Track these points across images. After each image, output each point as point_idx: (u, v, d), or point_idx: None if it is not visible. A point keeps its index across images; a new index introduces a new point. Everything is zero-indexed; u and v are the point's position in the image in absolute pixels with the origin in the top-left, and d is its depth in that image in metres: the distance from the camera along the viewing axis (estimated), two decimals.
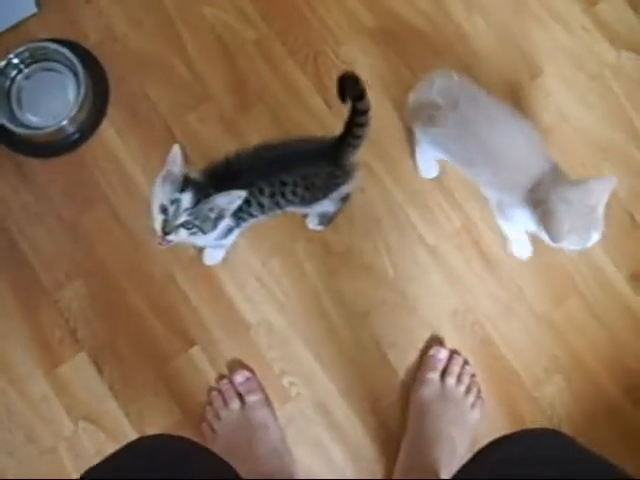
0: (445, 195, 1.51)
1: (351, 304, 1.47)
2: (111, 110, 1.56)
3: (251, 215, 1.25)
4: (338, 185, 1.27)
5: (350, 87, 1.10)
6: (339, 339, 1.47)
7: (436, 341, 1.47)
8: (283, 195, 1.23)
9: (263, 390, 1.45)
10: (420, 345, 1.47)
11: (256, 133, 1.51)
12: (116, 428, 1.47)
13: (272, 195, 1.23)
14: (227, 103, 1.55)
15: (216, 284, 1.49)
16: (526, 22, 1.60)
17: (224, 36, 1.58)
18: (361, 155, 1.35)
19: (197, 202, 1.12)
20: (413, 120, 1.35)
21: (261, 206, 1.23)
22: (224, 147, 1.33)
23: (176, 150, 1.13)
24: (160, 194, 1.14)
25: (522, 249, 1.43)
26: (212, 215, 1.14)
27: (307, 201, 1.27)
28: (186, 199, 1.12)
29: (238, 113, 1.54)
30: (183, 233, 1.15)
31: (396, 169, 1.52)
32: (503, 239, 1.47)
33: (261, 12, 1.60)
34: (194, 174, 1.18)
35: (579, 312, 1.48)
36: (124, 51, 1.59)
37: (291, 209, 1.28)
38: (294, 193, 1.23)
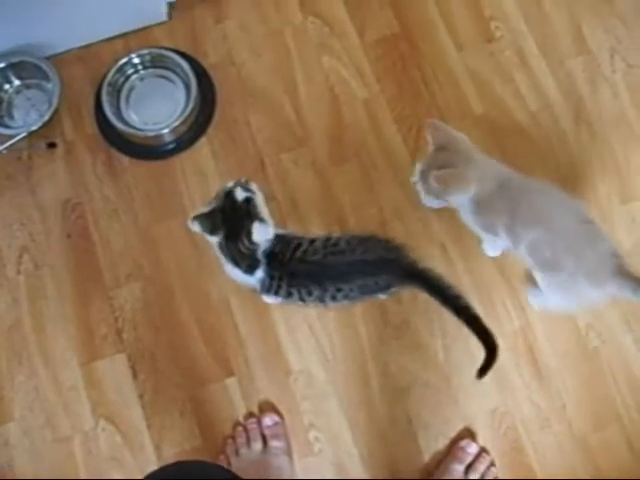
0: (510, 294, 1.70)
1: (394, 377, 1.66)
2: (212, 130, 1.79)
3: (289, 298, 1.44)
4: (389, 290, 1.45)
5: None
6: (374, 407, 1.64)
7: (468, 434, 1.63)
8: (334, 298, 1.37)
9: (288, 438, 1.62)
10: (452, 434, 1.64)
11: (344, 188, 1.72)
12: (134, 436, 1.64)
13: (320, 297, 1.40)
14: (323, 152, 1.77)
15: (268, 322, 1.68)
16: (629, 146, 1.81)
17: (336, 87, 1.82)
18: (438, 233, 1.61)
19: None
20: None
21: (303, 300, 1.42)
22: (309, 193, 1.61)
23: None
24: None
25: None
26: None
27: (355, 300, 1.47)
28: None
29: (331, 164, 1.76)
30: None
31: (470, 257, 1.72)
32: (559, 353, 1.66)
33: (377, 74, 1.83)
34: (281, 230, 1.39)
35: (616, 441, 1.64)
36: (238, 77, 1.83)
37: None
38: (346, 297, 1.36)
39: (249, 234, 1.29)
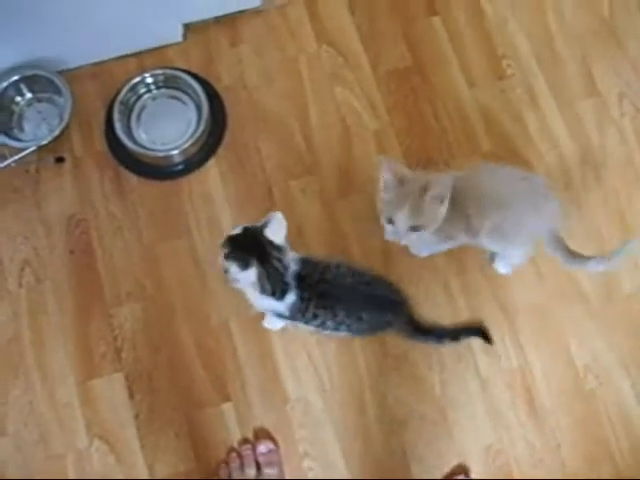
0: (511, 332, 1.75)
1: (391, 409, 1.70)
2: (221, 152, 1.84)
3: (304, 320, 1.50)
4: (386, 330, 1.58)
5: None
6: (369, 438, 1.68)
7: (462, 470, 1.67)
8: (349, 326, 1.49)
9: (282, 466, 1.65)
10: (445, 469, 1.68)
11: (349, 218, 1.77)
12: (128, 456, 1.67)
13: (342, 322, 1.48)
14: (331, 182, 1.82)
15: (268, 347, 1.72)
16: (634, 190, 1.86)
17: (348, 118, 1.87)
18: (441, 268, 1.71)
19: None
20: None
21: (323, 325, 1.49)
22: (315, 221, 1.69)
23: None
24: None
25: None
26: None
27: (362, 333, 1.59)
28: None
29: (338, 194, 1.81)
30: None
31: (471, 293, 1.77)
32: (555, 393, 1.72)
33: (387, 106, 1.89)
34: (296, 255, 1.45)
35: None
36: (250, 102, 1.88)
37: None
38: (359, 327, 1.50)
39: (271, 243, 1.34)
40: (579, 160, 1.84)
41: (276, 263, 1.35)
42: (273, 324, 1.66)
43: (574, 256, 1.54)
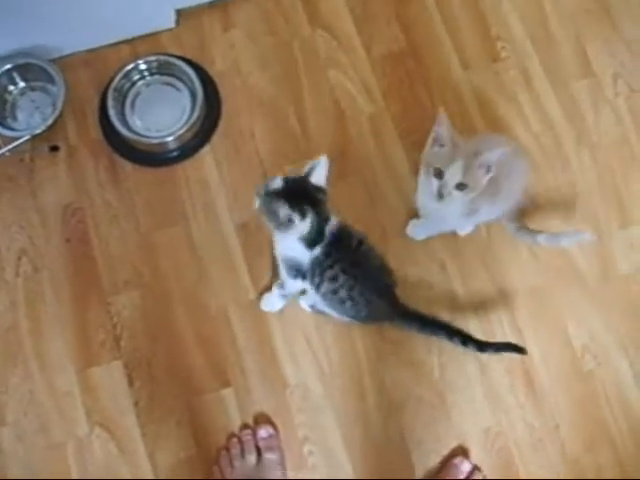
0: (508, 313, 1.75)
1: (389, 393, 1.70)
2: (216, 139, 1.83)
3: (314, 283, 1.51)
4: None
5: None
6: (369, 422, 1.69)
7: (462, 452, 1.68)
8: (354, 306, 1.51)
9: (282, 451, 1.66)
10: (444, 452, 1.69)
11: (345, 202, 1.73)
12: (129, 443, 1.67)
13: (352, 297, 1.51)
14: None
15: (266, 334, 1.72)
16: (630, 171, 1.86)
17: (342, 102, 1.86)
18: (439, 249, 1.72)
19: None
20: None
21: (334, 292, 1.50)
22: None
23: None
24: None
25: None
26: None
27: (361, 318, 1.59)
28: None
29: (334, 178, 1.75)
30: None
31: (468, 275, 1.78)
32: (554, 374, 1.72)
33: (383, 90, 1.88)
34: None
35: (607, 462, 1.69)
36: (244, 87, 1.87)
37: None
38: (358, 313, 1.54)
39: (317, 188, 1.36)
40: (574, 141, 1.85)
41: (324, 208, 1.37)
42: (271, 306, 1.66)
43: (525, 228, 1.61)
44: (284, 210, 1.31)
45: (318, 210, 1.34)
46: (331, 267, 1.43)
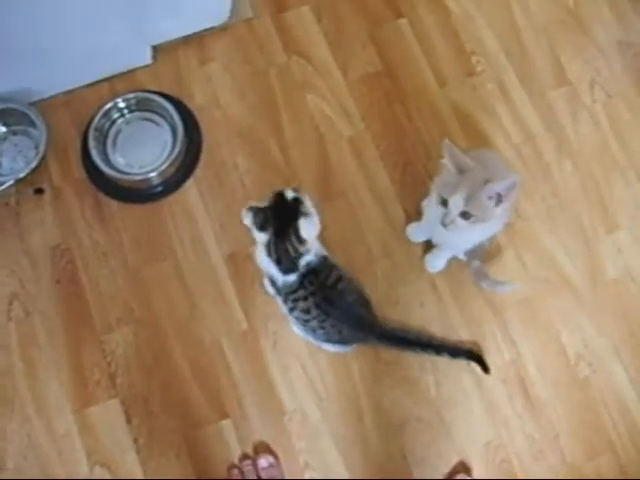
0: (500, 327, 1.76)
1: (388, 414, 1.70)
2: (199, 171, 1.84)
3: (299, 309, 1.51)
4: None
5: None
6: (368, 444, 1.69)
7: (463, 468, 1.68)
8: (326, 334, 1.53)
9: (284, 479, 1.66)
10: (446, 469, 1.68)
11: (332, 226, 1.76)
12: None
13: (323, 327, 1.52)
14: (311, 191, 1.79)
15: (261, 363, 1.73)
16: (612, 175, 1.87)
17: (321, 126, 1.88)
18: (427, 269, 1.71)
19: None
20: None
21: (306, 321, 1.52)
22: None
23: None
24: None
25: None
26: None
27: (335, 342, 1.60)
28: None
29: (319, 203, 1.78)
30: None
31: (459, 292, 1.78)
32: (550, 383, 1.73)
33: (361, 111, 1.89)
34: None
35: (610, 469, 1.69)
36: (224, 119, 1.88)
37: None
38: (332, 339, 1.57)
39: (297, 231, 1.35)
40: (555, 150, 1.86)
41: (290, 244, 1.37)
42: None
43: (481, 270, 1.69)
44: (247, 218, 1.35)
45: (280, 237, 1.35)
46: (305, 299, 1.44)
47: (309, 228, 1.36)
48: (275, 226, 1.36)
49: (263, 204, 1.37)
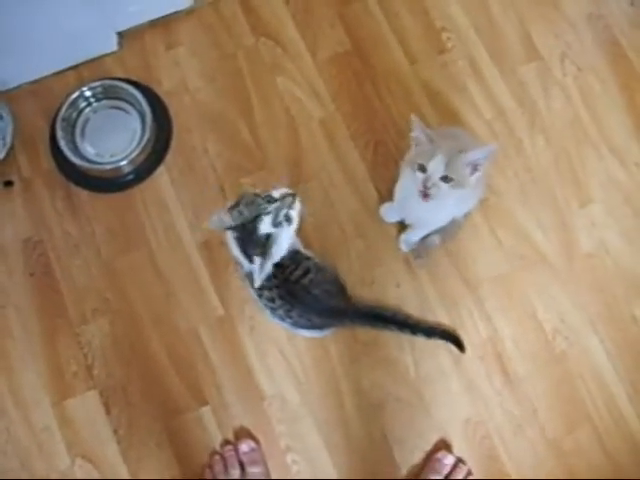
0: (477, 304, 1.76)
1: (367, 394, 1.70)
2: (169, 158, 1.82)
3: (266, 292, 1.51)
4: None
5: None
6: (349, 426, 1.69)
7: (444, 446, 1.68)
8: (294, 322, 1.54)
9: (265, 463, 1.66)
10: (427, 447, 1.69)
11: (305, 208, 1.75)
12: (112, 472, 1.67)
13: (290, 317, 1.52)
14: (283, 174, 1.80)
15: (239, 348, 1.72)
16: (584, 149, 1.87)
17: (292, 108, 1.86)
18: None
19: None
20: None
21: (272, 309, 1.53)
22: None
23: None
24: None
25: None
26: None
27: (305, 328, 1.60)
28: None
29: (292, 186, 1.78)
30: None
31: (434, 270, 1.78)
32: (527, 359, 1.73)
33: (331, 92, 1.87)
34: None
35: (589, 441, 1.71)
36: (193, 103, 1.86)
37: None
38: (302, 325, 1.57)
39: (269, 237, 1.36)
40: (527, 125, 1.86)
41: (260, 247, 1.36)
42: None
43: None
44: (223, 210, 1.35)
45: (245, 225, 1.35)
46: (270, 289, 1.44)
47: (284, 239, 1.37)
48: (240, 246, 1.37)
49: (237, 214, 1.36)
